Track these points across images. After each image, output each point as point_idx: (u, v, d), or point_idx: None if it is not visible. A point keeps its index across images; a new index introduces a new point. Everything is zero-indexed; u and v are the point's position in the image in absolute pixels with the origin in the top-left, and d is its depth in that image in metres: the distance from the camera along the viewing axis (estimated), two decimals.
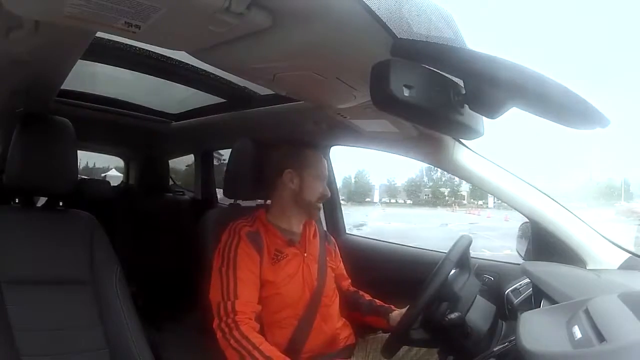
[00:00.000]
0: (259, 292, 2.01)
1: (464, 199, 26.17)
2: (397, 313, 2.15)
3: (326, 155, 2.88)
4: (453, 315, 1.68)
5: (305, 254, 2.17)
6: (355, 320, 2.30)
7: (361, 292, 2.37)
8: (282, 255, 2.09)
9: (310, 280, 2.14)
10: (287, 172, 2.17)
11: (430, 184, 27.97)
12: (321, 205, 2.26)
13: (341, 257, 2.44)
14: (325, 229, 2.68)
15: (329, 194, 2.23)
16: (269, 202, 2.30)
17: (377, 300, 2.31)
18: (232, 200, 2.57)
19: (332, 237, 2.47)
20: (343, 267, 2.43)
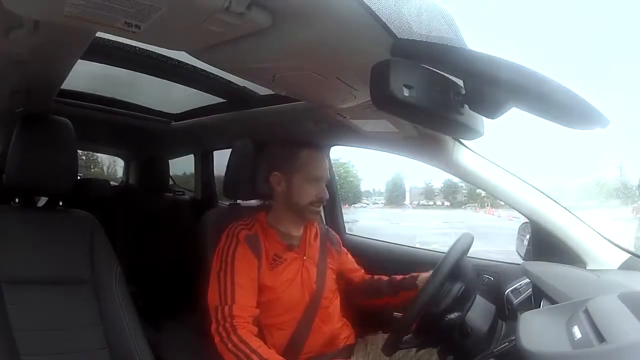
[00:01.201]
0: (258, 296, 2.00)
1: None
2: (424, 276, 2.09)
3: (326, 155, 2.88)
4: (453, 315, 1.68)
5: (305, 258, 2.15)
6: (379, 308, 2.24)
7: (376, 277, 2.33)
8: (280, 260, 2.08)
9: (309, 284, 2.13)
10: (273, 175, 2.14)
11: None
12: (320, 208, 2.21)
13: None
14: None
15: (327, 196, 2.17)
16: (268, 202, 2.29)
17: (395, 277, 2.25)
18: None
19: (334, 234, 2.43)
20: (351, 259, 2.42)
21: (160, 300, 3.15)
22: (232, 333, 1.84)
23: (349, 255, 2.43)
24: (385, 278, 2.29)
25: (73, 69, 1.71)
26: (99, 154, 6.50)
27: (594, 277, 1.73)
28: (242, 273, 1.97)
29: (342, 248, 2.41)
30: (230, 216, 2.24)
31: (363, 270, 2.41)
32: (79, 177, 2.78)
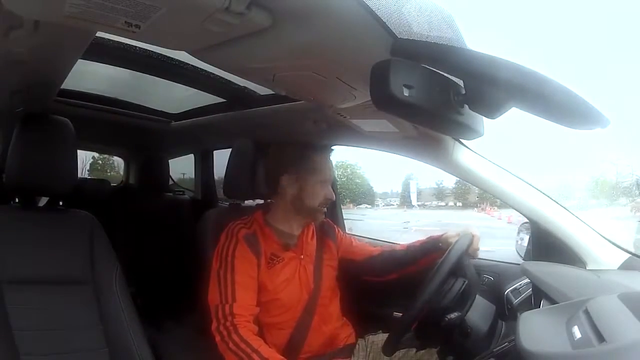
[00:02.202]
0: (258, 296, 2.00)
1: None
2: (448, 235, 2.08)
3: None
4: (453, 315, 1.68)
5: (302, 256, 2.15)
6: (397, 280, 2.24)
7: (389, 249, 2.33)
8: (277, 260, 2.08)
9: (307, 283, 2.13)
10: (286, 177, 2.12)
11: None
12: (325, 209, 2.20)
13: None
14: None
15: (334, 197, 2.18)
16: (269, 201, 2.28)
17: (414, 244, 2.24)
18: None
19: (328, 223, 2.41)
20: (352, 240, 2.42)
21: (160, 300, 3.15)
22: (233, 332, 1.84)
23: (347, 236, 2.43)
24: (399, 248, 2.29)
25: (73, 68, 1.71)
26: (115, 158, 6.49)
27: (594, 277, 1.73)
28: (242, 272, 1.97)
29: (339, 232, 2.41)
30: (230, 216, 2.23)
31: (370, 247, 2.40)
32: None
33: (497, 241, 2.29)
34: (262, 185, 2.29)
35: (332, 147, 2.34)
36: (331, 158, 2.25)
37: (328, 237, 2.33)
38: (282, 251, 2.11)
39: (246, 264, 2.00)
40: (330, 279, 2.23)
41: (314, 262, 2.19)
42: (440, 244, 2.08)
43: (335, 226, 2.42)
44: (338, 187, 3.21)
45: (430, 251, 2.12)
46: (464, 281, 1.73)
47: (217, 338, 1.87)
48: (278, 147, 2.23)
